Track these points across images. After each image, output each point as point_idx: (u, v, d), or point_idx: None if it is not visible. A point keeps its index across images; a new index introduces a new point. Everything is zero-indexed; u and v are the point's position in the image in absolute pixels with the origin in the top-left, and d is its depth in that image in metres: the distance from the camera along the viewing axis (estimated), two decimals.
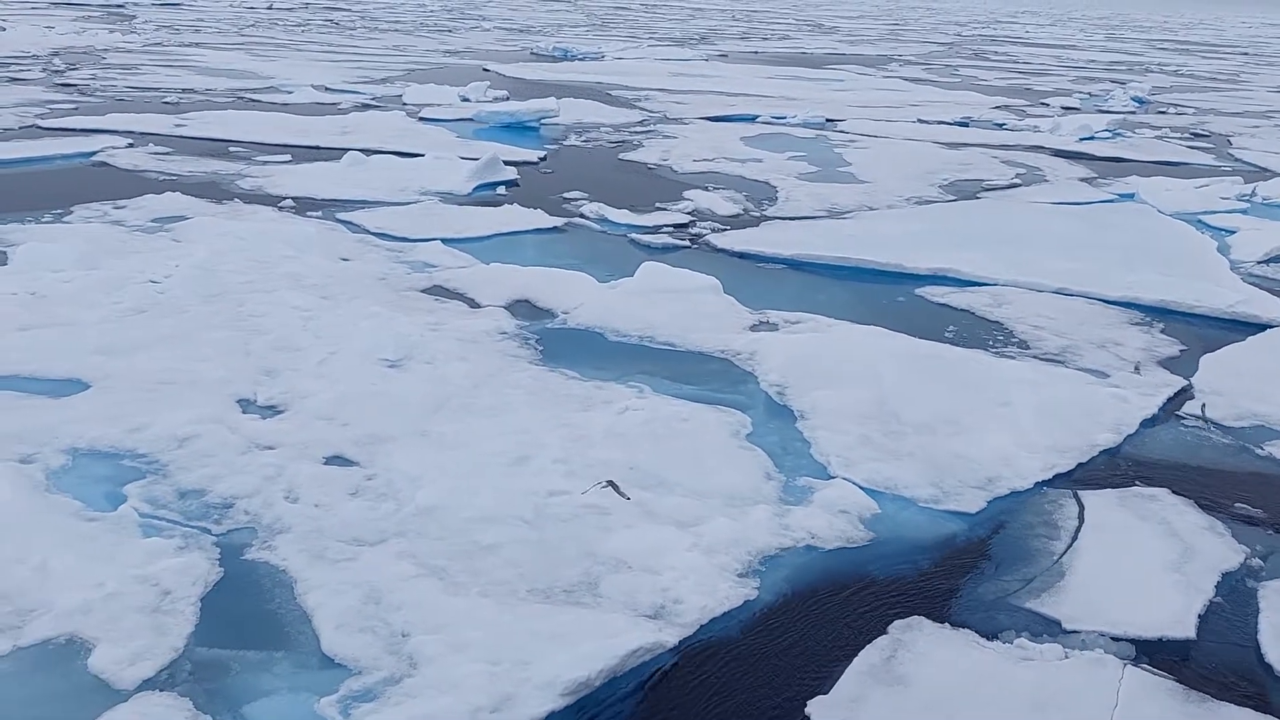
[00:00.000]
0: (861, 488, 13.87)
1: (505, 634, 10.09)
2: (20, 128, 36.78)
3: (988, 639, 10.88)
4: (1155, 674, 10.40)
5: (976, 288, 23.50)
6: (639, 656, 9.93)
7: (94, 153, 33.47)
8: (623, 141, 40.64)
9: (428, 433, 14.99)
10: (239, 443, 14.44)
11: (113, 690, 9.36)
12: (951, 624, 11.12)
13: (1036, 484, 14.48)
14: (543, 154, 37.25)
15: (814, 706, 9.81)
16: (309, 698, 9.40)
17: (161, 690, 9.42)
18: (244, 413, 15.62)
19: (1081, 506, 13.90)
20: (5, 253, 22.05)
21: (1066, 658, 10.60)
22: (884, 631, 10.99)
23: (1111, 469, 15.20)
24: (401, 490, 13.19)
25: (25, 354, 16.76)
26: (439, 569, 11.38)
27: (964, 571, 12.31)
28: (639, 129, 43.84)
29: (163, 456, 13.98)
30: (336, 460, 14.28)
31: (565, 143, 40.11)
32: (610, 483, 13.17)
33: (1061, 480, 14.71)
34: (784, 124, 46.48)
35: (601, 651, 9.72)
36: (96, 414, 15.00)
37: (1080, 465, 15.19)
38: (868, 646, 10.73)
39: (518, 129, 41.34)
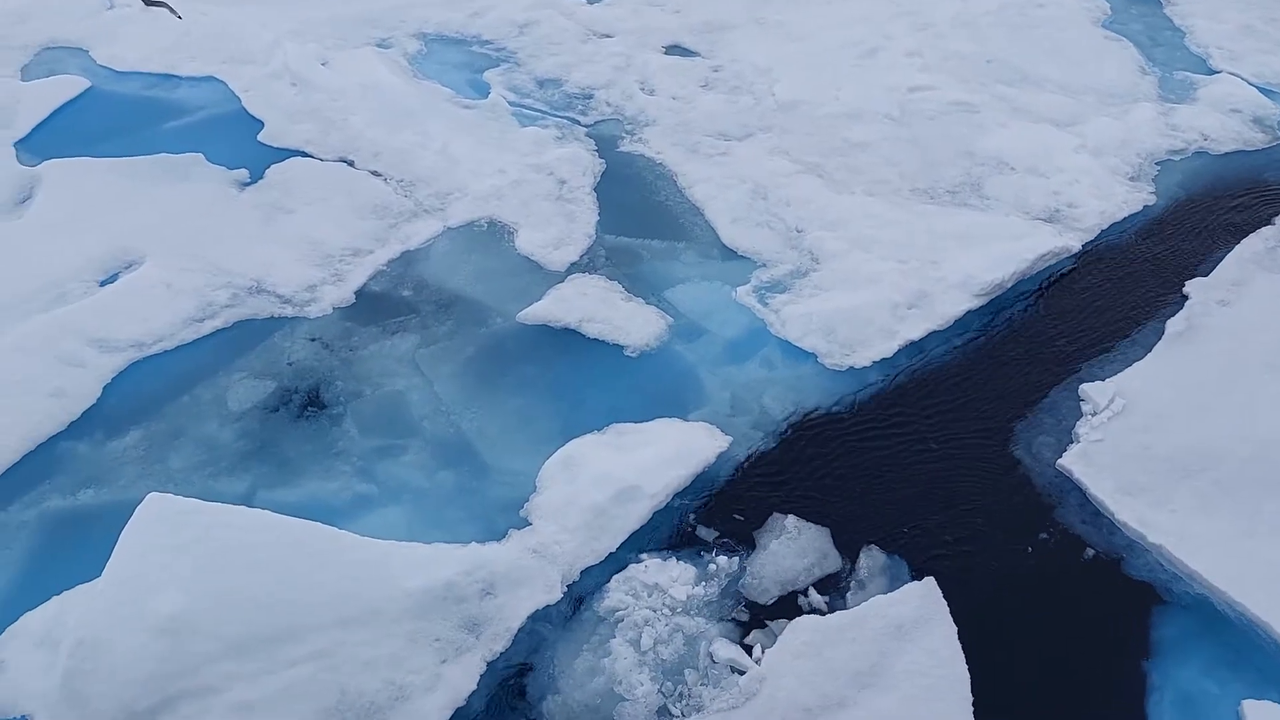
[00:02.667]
0: (1251, 84, 12.59)
1: (905, 232, 10.13)
2: None
3: None
4: None
5: None
6: (1045, 260, 9.83)
7: None
8: None
9: (764, 20, 14.35)
10: (576, 30, 14.26)
11: (546, 270, 10.08)
12: None
13: None
14: None
15: (1192, 286, 9.59)
16: (722, 286, 9.89)
17: (587, 273, 10.04)
18: None
19: None
20: None
21: None
22: (1269, 222, 10.39)
23: None
24: (755, 83, 12.90)
25: None
26: (815, 165, 11.33)
27: None
28: None
29: (509, 43, 14.03)
30: (677, 50, 13.98)
31: None
32: None
33: None
34: None
35: (1012, 254, 9.68)
36: None
37: None
38: (1251, 235, 10.21)
39: None
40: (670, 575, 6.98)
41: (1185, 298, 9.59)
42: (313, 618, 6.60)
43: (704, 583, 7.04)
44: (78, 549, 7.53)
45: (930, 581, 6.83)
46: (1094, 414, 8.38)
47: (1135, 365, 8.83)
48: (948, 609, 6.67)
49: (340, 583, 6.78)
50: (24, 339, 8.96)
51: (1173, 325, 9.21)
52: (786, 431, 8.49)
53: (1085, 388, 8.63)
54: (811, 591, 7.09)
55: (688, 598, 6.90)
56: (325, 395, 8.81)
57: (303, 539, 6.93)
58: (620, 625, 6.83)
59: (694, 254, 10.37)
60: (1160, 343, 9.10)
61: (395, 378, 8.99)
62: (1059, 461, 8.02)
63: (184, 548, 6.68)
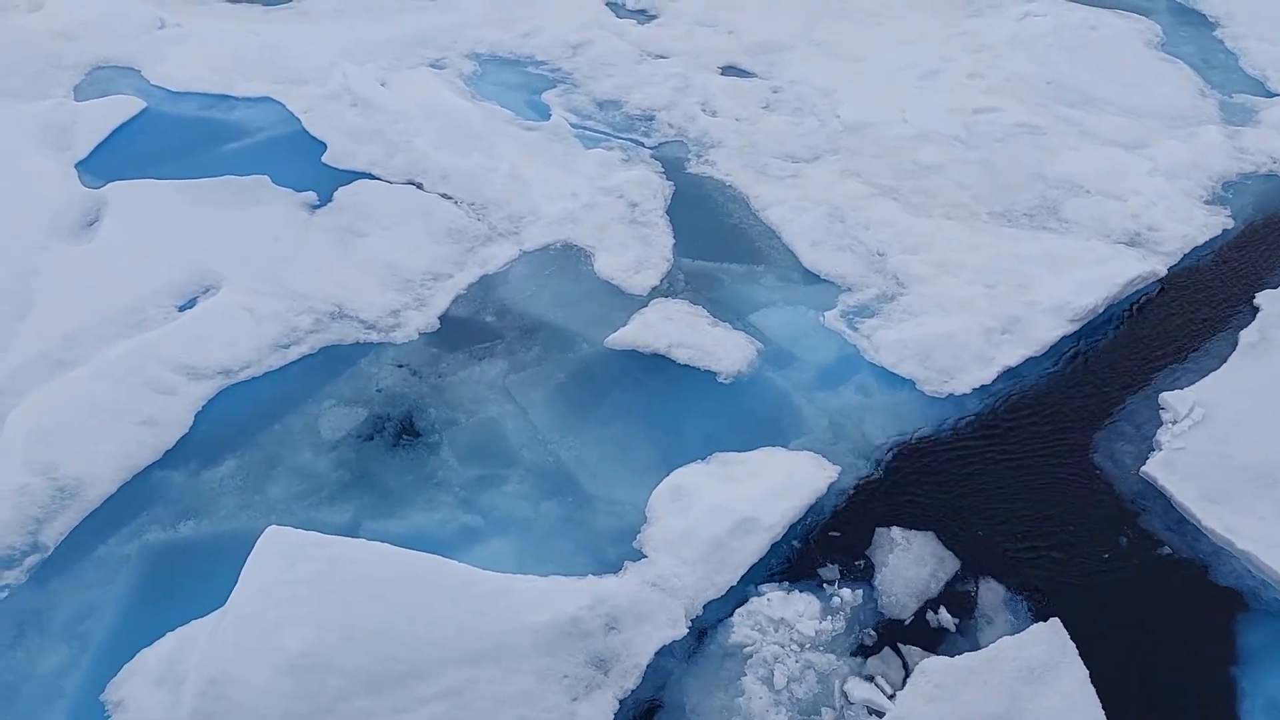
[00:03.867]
0: None
1: (989, 256, 10.10)
2: None
3: None
4: None
5: None
6: (1135, 285, 9.80)
7: None
8: None
9: (818, 41, 14.35)
10: (630, 50, 14.22)
11: (627, 295, 10.00)
12: None
13: None
14: None
15: (1263, 299, 9.69)
16: (807, 311, 9.83)
17: (668, 297, 9.97)
18: (618, 17, 15.24)
19: None
20: None
21: None
22: None
23: None
24: (817, 105, 12.88)
25: None
26: (889, 188, 11.30)
27: None
28: None
29: (563, 64, 13.97)
30: (733, 71, 13.97)
31: None
32: None
33: None
34: None
35: (1102, 279, 9.67)
36: (482, 18, 14.94)
37: None
38: None
39: None
40: (796, 609, 6.89)
41: (1257, 310, 9.62)
42: (441, 654, 6.49)
43: (829, 617, 6.94)
44: (184, 583, 7.41)
45: (1056, 623, 6.79)
46: (1174, 422, 8.39)
47: (1212, 375, 8.87)
48: (1076, 652, 6.60)
49: (465, 617, 6.67)
50: (110, 366, 8.83)
51: (1246, 336, 9.32)
52: (890, 459, 8.43)
53: (1165, 396, 8.72)
54: (943, 611, 7.00)
55: (815, 633, 6.81)
56: (419, 423, 8.70)
57: (423, 572, 6.82)
58: (750, 662, 6.73)
59: (774, 278, 10.31)
60: (1234, 354, 9.25)
61: (487, 405, 8.88)
62: (1143, 469, 8.15)
63: (308, 582, 6.56)
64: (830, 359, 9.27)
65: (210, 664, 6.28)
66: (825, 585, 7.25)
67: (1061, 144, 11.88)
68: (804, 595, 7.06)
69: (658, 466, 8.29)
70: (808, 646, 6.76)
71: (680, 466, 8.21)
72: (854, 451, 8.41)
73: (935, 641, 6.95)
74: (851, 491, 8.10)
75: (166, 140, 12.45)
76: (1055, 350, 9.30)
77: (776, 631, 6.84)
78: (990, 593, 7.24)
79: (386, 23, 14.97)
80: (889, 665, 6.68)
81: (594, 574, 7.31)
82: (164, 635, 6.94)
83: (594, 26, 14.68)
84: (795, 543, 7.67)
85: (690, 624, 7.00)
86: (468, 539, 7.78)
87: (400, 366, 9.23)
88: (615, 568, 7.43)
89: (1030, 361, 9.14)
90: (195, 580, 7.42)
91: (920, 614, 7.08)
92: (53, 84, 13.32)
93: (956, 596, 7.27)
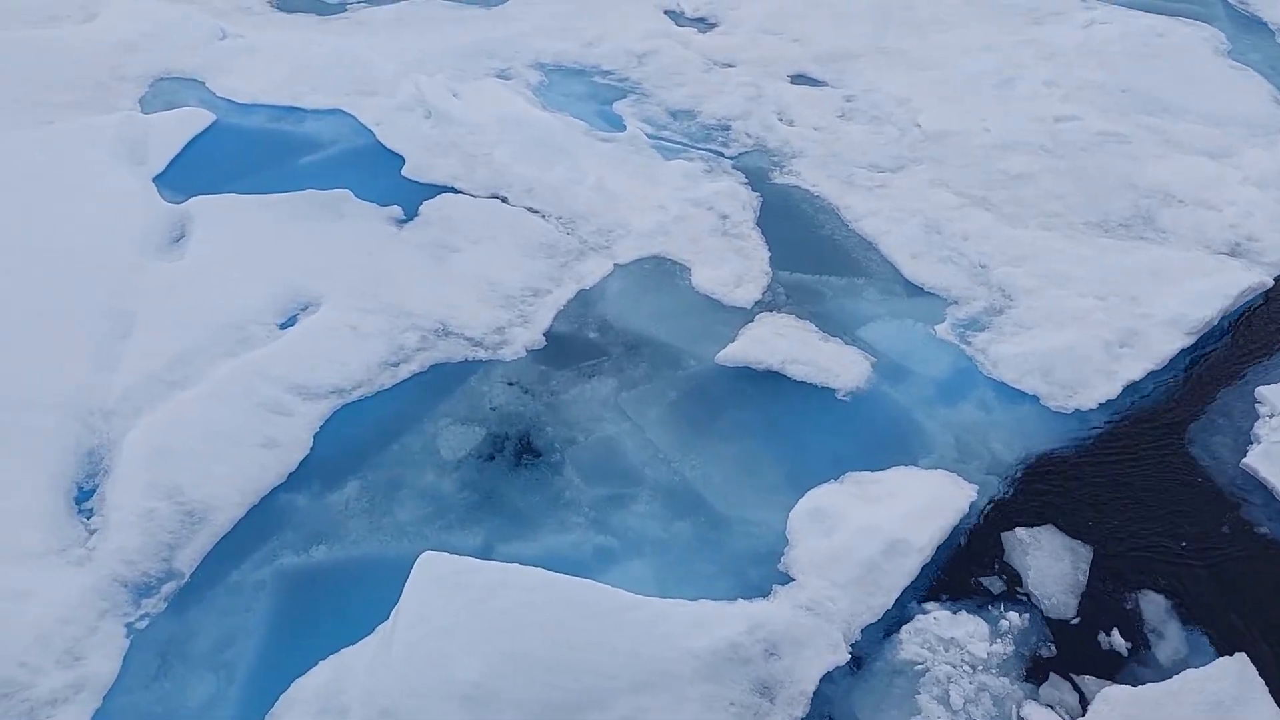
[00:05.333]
0: None
1: (1095, 268, 10.05)
2: None
3: None
4: None
5: None
6: (1244, 296, 9.76)
7: None
8: None
9: (887, 49, 14.30)
10: (697, 59, 14.15)
11: (729, 309, 9.92)
12: None
13: None
14: None
15: None
16: (915, 324, 9.75)
17: (772, 311, 9.88)
18: (678, 25, 15.18)
19: None
20: None
21: None
22: None
23: None
24: (894, 113, 12.82)
25: None
26: (981, 199, 11.25)
27: None
28: None
29: (630, 74, 13.89)
30: (803, 79, 13.91)
31: None
32: None
33: None
34: None
35: (1215, 290, 9.64)
36: (541, 28, 14.85)
37: None
38: None
39: None
40: (966, 630, 6.80)
41: None
42: (609, 682, 6.37)
43: (999, 639, 6.85)
44: (322, 609, 7.28)
45: (1243, 658, 6.69)
46: (1271, 416, 8.38)
47: None
48: (1265, 688, 6.51)
49: (627, 644, 6.55)
50: (222, 386, 8.69)
51: None
52: (1021, 476, 8.34)
53: (1261, 390, 8.65)
54: (1115, 634, 6.93)
55: (987, 655, 6.71)
56: (537, 442, 8.58)
57: (580, 598, 6.71)
58: (922, 680, 6.62)
59: (876, 290, 10.23)
60: None
61: (603, 423, 8.77)
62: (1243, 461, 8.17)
63: (469, 609, 6.45)
64: (946, 374, 9.19)
65: (381, 695, 6.16)
66: (989, 606, 7.15)
67: (1147, 153, 11.84)
68: (972, 616, 6.96)
69: (786, 486, 8.18)
70: (980, 668, 6.66)
71: (810, 486, 8.10)
72: (985, 469, 8.32)
73: (1108, 668, 6.85)
74: (989, 510, 8.01)
75: (239, 153, 12.31)
76: (1174, 364, 9.23)
77: (947, 651, 6.75)
78: (1156, 614, 7.15)
79: (446, 33, 14.86)
80: (1062, 691, 6.59)
81: (741, 598, 7.19)
82: (313, 664, 6.79)
83: (657, 36, 14.60)
84: (943, 563, 7.56)
85: (850, 649, 6.87)
86: (604, 561, 7.66)
87: (511, 384, 9.11)
88: (760, 591, 7.32)
89: (1151, 375, 9.06)
90: (333, 606, 7.30)
91: (1091, 638, 6.99)
92: (118, 96, 13.16)
93: (1124, 617, 7.18)
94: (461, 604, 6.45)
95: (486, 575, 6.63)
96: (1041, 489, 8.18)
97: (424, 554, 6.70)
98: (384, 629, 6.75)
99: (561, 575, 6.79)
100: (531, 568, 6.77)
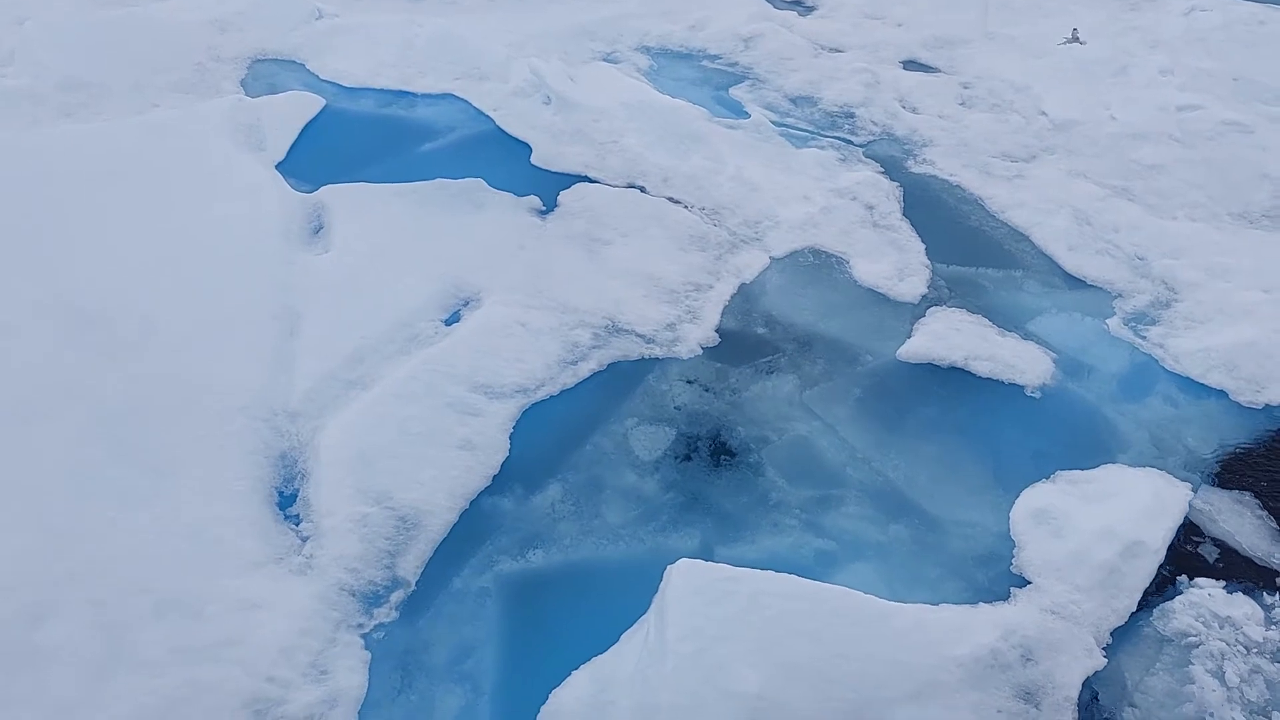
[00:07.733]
0: None
1: (1255, 259, 10.03)
2: None
3: None
4: None
5: None
6: None
7: None
8: None
9: (994, 35, 14.19)
10: (804, 44, 14.00)
11: (895, 303, 9.84)
12: None
13: None
14: None
15: None
16: (1083, 318, 9.71)
17: (940, 305, 9.79)
18: (777, 9, 14.99)
19: None
20: None
21: None
22: None
23: None
24: (1015, 101, 12.73)
25: None
26: (1122, 189, 11.20)
27: None
28: None
29: (739, 58, 13.73)
30: (914, 65, 13.77)
31: None
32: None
33: None
34: None
35: None
36: (642, 9, 14.60)
37: None
38: None
39: None
40: (1243, 611, 6.79)
41: None
42: (880, 693, 6.30)
43: (1275, 626, 6.84)
44: (551, 616, 7.16)
45: None
46: None
47: None
48: None
49: (891, 652, 6.48)
50: (404, 385, 8.49)
51: None
52: (1221, 471, 8.32)
53: None
54: None
55: (1263, 639, 6.70)
56: (730, 441, 8.47)
57: (840, 605, 6.62)
58: (1195, 652, 6.62)
59: (1036, 283, 10.16)
60: None
61: (793, 422, 8.67)
62: None
63: (739, 619, 6.35)
64: (1126, 369, 9.15)
65: (662, 710, 6.04)
66: (1265, 593, 7.13)
67: (1273, 142, 11.81)
68: (1247, 598, 6.96)
69: (993, 485, 8.13)
70: (1254, 651, 6.66)
71: (1020, 485, 8.04)
72: (1184, 466, 8.30)
73: None
74: (1201, 506, 7.98)
75: (357, 140, 12.05)
76: None
77: (1222, 629, 6.74)
78: None
79: (543, 14, 14.59)
80: None
81: (979, 602, 7.13)
82: (560, 673, 6.67)
83: (761, 19, 14.41)
84: (1174, 562, 7.53)
85: (1104, 653, 6.84)
86: (826, 564, 7.58)
87: (690, 382, 8.97)
88: (994, 595, 7.27)
89: None
90: (563, 612, 7.18)
91: None
92: (219, 78, 12.83)
93: None
94: (730, 614, 6.34)
95: (746, 584, 6.53)
96: (1245, 485, 8.16)
97: (680, 561, 6.58)
98: (638, 637, 6.63)
99: (816, 583, 6.70)
100: (786, 576, 6.67)
